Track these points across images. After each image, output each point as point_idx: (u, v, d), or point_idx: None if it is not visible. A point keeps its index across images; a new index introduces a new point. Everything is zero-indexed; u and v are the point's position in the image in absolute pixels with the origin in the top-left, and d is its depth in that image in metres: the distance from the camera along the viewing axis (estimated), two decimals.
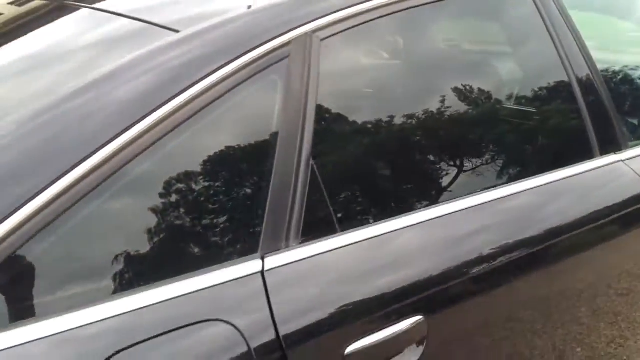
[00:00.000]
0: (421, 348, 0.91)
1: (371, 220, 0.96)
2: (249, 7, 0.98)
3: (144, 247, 0.79)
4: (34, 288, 0.72)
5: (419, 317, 0.91)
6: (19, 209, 0.69)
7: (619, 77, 1.54)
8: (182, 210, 0.83)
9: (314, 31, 0.95)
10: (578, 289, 1.19)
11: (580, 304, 1.21)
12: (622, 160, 1.31)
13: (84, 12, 1.18)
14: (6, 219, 0.68)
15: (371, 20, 1.00)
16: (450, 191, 1.07)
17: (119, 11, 1.08)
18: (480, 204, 1.03)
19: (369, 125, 1.04)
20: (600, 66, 1.31)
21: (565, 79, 1.24)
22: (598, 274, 1.24)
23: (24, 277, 0.72)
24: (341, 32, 0.98)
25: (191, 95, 0.82)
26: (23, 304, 0.72)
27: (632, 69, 1.63)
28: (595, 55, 1.31)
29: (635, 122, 1.52)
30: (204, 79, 0.83)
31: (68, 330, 0.69)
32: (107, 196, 0.75)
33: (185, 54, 0.86)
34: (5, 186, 0.71)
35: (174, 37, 0.90)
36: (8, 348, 0.66)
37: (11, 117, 0.82)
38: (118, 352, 0.70)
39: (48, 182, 0.70)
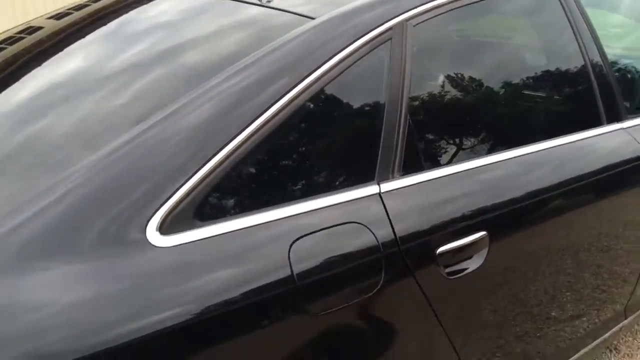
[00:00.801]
0: (484, 255, 1.26)
1: (452, 160, 1.31)
2: None
3: (313, 171, 1.13)
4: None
5: (483, 233, 1.25)
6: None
7: (622, 64, 1.91)
8: (327, 150, 1.16)
9: (407, 20, 1.28)
10: (567, 244, 1.54)
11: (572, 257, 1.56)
12: (623, 128, 1.68)
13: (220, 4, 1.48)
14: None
15: (450, 10, 1.34)
16: (505, 143, 1.42)
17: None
18: (527, 154, 1.38)
19: (449, 88, 1.38)
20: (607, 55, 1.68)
21: (583, 63, 1.60)
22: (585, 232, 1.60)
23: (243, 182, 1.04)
24: (427, 19, 1.31)
25: (333, 64, 1.14)
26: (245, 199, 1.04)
27: (629, 58, 2.00)
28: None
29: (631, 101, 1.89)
30: (340, 51, 1.16)
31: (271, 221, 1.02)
32: (286, 134, 1.08)
33: (326, 35, 1.18)
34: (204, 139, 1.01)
35: (313, 22, 1.21)
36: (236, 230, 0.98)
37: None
38: (298, 238, 1.03)
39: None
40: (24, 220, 0.87)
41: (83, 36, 1.53)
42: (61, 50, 1.48)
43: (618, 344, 2.37)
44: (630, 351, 2.33)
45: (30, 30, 1.68)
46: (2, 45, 1.60)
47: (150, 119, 1.00)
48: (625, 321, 1.94)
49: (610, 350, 2.33)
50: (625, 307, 1.87)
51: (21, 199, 0.91)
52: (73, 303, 0.83)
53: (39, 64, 1.42)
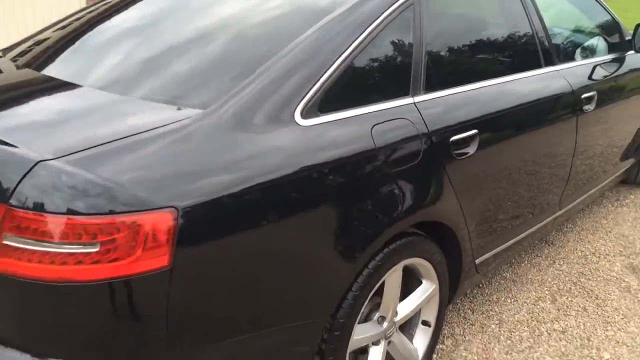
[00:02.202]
0: (476, 145, 1.94)
1: (456, 83, 1.98)
2: None
3: (378, 86, 1.76)
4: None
5: (475, 130, 1.94)
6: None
7: (554, 31, 2.67)
8: (385, 74, 1.79)
9: None
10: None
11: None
12: (556, 70, 2.43)
13: None
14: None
15: None
16: (487, 74, 2.12)
17: None
18: (499, 83, 2.11)
19: (451, 36, 2.06)
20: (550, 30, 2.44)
21: (530, 31, 2.34)
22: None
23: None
24: None
25: (382, 18, 1.77)
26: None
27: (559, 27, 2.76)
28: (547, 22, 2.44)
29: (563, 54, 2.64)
30: (386, 10, 1.79)
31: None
32: None
33: (367, 4, 1.80)
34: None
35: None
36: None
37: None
38: (376, 124, 1.66)
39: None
40: (228, 98, 1.46)
41: None
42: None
43: (553, 239, 3.17)
44: (561, 244, 3.13)
45: None
46: None
47: (290, 46, 1.60)
48: (560, 211, 2.71)
49: (546, 243, 3.13)
50: (560, 199, 2.64)
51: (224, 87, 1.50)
52: (260, 153, 1.42)
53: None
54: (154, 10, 2.05)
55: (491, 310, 2.54)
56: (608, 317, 2.53)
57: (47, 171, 1.21)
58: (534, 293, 2.67)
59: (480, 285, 2.71)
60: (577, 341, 2.36)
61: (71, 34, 2.07)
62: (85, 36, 2.04)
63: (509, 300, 2.61)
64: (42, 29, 2.27)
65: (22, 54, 2.02)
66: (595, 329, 2.44)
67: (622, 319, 2.52)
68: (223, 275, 1.34)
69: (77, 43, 2.00)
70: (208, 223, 1.30)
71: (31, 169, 1.21)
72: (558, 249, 3.07)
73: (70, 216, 1.19)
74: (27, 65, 1.90)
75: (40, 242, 1.20)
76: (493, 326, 2.43)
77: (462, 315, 2.50)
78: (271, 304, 1.45)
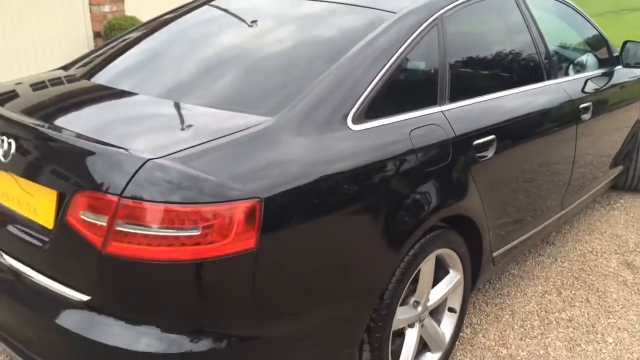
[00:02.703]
0: (494, 149, 2.20)
1: (476, 94, 2.24)
2: None
3: (411, 96, 2.01)
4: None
5: (493, 136, 2.19)
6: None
7: (554, 48, 2.96)
8: (416, 84, 2.05)
9: (443, 14, 2.20)
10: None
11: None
12: (558, 83, 2.71)
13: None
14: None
15: (463, 8, 2.28)
16: (502, 86, 2.38)
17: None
18: (512, 94, 2.38)
19: (469, 52, 2.33)
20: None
21: (535, 49, 2.63)
22: None
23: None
24: (452, 14, 2.23)
25: (414, 36, 2.03)
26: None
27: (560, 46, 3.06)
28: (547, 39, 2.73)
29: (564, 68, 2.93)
30: (417, 29, 2.05)
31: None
32: None
33: (409, 21, 2.05)
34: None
35: (397, 15, 2.09)
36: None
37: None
38: (413, 129, 1.91)
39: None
40: (293, 107, 1.69)
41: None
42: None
43: (553, 240, 3.43)
44: (561, 244, 3.39)
45: None
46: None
47: (339, 62, 1.84)
48: (562, 212, 2.98)
49: (548, 243, 3.39)
50: (562, 200, 2.90)
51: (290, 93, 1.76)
52: (321, 152, 1.65)
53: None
54: (218, 29, 2.34)
55: (503, 302, 2.78)
56: (609, 307, 2.77)
57: (156, 168, 1.43)
58: (540, 287, 2.92)
59: (491, 281, 2.95)
60: (583, 328, 2.60)
61: (136, 49, 2.30)
62: (152, 52, 2.27)
63: (518, 294, 2.85)
64: (104, 44, 2.49)
65: (92, 68, 2.23)
66: (599, 318, 2.69)
67: (622, 308, 2.77)
68: (299, 255, 1.57)
69: (145, 58, 2.23)
70: (285, 211, 1.52)
71: (141, 166, 1.43)
72: (559, 248, 3.33)
73: (176, 205, 1.40)
74: (103, 79, 2.11)
75: (149, 228, 1.41)
76: (506, 316, 2.67)
77: (478, 307, 2.73)
78: (334, 283, 1.68)
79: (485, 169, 2.18)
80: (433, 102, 2.07)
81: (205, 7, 2.52)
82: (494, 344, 2.48)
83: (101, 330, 1.50)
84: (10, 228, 1.73)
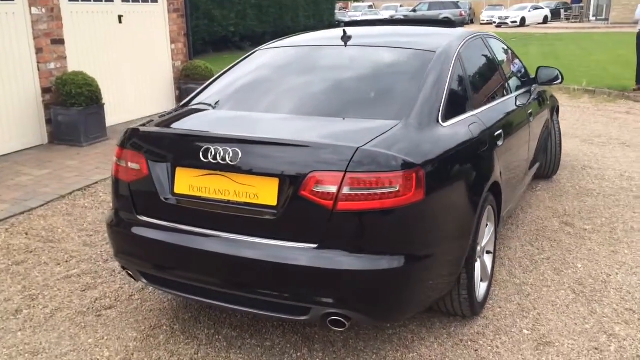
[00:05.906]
0: (502, 139, 3.27)
1: (477, 108, 3.30)
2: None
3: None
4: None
5: (501, 131, 3.26)
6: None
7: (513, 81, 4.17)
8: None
9: (459, 49, 3.25)
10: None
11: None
12: (515, 97, 3.91)
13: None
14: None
15: (466, 45, 3.37)
16: (494, 98, 3.48)
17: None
18: (499, 103, 3.49)
19: (473, 76, 3.40)
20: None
21: (503, 80, 3.79)
22: None
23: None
24: (463, 49, 3.30)
25: (445, 70, 3.05)
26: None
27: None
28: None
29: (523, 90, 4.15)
30: (448, 66, 3.07)
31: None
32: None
33: (442, 59, 3.07)
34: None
35: (437, 53, 3.09)
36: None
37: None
38: (470, 124, 2.90)
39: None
40: (409, 113, 2.61)
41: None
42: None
43: (512, 216, 4.59)
44: (518, 218, 4.56)
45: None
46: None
47: (428, 81, 2.80)
48: (524, 187, 4.14)
49: (510, 218, 4.54)
50: (524, 176, 4.07)
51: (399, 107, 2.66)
52: (436, 140, 2.59)
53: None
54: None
55: (498, 255, 3.83)
56: (567, 248, 3.94)
57: (365, 152, 2.26)
58: (517, 242, 4.03)
59: None
60: (559, 261, 3.72)
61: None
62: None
63: (505, 248, 3.93)
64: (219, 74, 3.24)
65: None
66: (565, 255, 3.83)
67: (576, 248, 3.95)
68: (441, 204, 2.48)
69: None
70: (431, 176, 2.42)
71: (355, 151, 2.26)
72: (516, 220, 4.50)
73: (382, 173, 2.24)
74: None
75: (366, 189, 2.23)
76: (506, 262, 3.71)
77: None
78: (457, 228, 2.60)
79: (499, 152, 3.23)
80: (469, 107, 3.09)
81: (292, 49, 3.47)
82: (508, 278, 3.50)
83: (330, 259, 2.26)
84: (228, 213, 2.42)
